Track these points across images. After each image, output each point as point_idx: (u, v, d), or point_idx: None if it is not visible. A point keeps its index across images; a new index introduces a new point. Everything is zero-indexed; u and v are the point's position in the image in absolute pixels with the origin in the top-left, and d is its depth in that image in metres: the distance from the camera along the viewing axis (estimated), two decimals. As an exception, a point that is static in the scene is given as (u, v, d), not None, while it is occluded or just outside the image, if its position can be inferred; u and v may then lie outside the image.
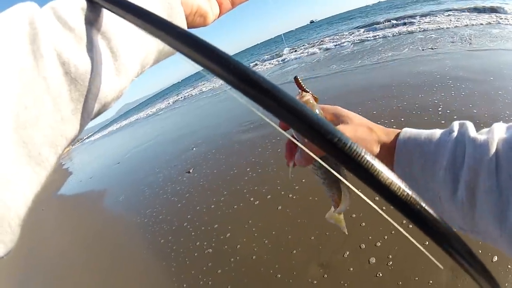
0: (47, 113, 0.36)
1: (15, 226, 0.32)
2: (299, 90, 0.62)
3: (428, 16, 15.39)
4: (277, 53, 23.40)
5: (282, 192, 3.49)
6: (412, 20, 15.43)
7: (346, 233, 0.65)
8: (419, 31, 12.20)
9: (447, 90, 4.71)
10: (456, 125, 0.54)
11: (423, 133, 0.56)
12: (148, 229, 4.12)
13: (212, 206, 3.92)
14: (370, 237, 2.54)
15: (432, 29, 11.75)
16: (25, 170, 0.34)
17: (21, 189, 0.33)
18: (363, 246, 2.51)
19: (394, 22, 16.36)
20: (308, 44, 21.32)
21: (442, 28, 11.37)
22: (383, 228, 2.59)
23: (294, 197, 3.35)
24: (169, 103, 26.12)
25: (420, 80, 5.48)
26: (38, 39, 0.36)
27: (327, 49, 15.67)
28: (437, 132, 0.55)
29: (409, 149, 0.55)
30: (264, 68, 17.97)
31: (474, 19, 11.51)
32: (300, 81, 0.62)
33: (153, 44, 0.49)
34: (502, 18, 10.58)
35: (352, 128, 0.58)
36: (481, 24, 10.37)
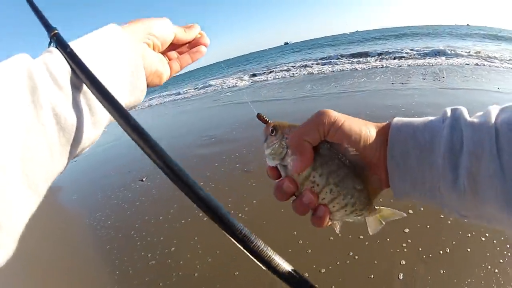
0: (43, 153, 0.45)
1: (15, 240, 0.41)
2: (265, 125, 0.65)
3: (402, 52, 16.01)
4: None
5: (232, 211, 3.43)
6: (387, 55, 16.03)
7: (405, 215, 0.61)
8: (393, 66, 12.64)
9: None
10: (448, 111, 0.52)
11: (415, 121, 0.55)
12: (96, 233, 3.94)
13: (161, 218, 3.82)
14: (315, 266, 2.52)
15: (405, 65, 12.17)
16: (26, 198, 0.42)
17: (22, 212, 0.42)
18: (306, 274, 2.46)
19: (369, 55, 17.03)
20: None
21: (415, 65, 11.78)
22: (329, 257, 2.58)
23: (244, 217, 3.33)
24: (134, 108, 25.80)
25: (385, 112, 5.64)
26: (37, 92, 0.45)
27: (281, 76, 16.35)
28: (430, 120, 0.53)
29: (402, 140, 0.53)
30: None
31: (449, 59, 12.06)
32: (264, 117, 0.65)
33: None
34: (479, 58, 11.09)
35: (344, 115, 0.57)
36: (455, 64, 10.83)
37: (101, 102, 0.49)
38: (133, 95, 0.63)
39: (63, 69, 0.51)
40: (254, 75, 20.42)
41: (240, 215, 3.37)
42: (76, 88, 0.52)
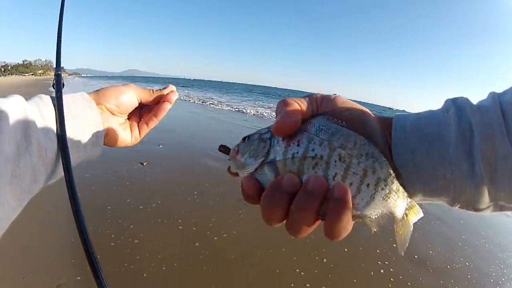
0: (28, 174, 0.57)
1: None
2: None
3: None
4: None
5: (208, 232, 3.36)
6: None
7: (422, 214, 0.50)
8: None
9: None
10: (449, 102, 0.50)
11: (418, 115, 0.51)
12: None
13: (140, 207, 3.78)
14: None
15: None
16: (9, 208, 0.54)
17: (4, 217, 0.53)
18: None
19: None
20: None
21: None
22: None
23: (218, 243, 3.21)
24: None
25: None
26: (29, 128, 0.58)
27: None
28: (432, 112, 0.51)
29: (408, 135, 0.49)
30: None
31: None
32: (227, 146, 0.58)
33: (90, 149, 0.74)
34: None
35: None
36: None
37: (60, 154, 0.64)
38: (94, 149, 0.75)
39: (52, 115, 0.65)
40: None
41: (215, 238, 3.28)
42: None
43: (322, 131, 0.47)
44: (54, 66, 0.81)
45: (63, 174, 0.66)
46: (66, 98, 0.70)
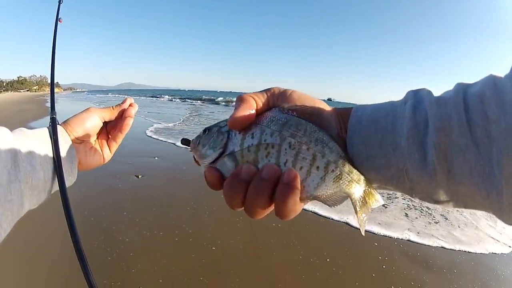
0: (17, 199, 0.62)
1: None
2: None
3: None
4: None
5: (205, 243, 3.34)
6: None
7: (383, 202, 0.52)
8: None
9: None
10: (410, 93, 0.50)
11: (377, 106, 0.52)
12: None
13: (136, 220, 3.77)
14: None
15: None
16: (6, 228, 0.60)
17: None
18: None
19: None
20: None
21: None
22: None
23: (215, 253, 3.18)
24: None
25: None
26: (17, 158, 0.63)
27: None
28: (392, 104, 0.51)
29: (363, 127, 0.50)
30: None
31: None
32: (187, 140, 0.62)
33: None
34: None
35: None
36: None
37: (58, 179, 0.73)
38: (70, 178, 0.79)
39: (36, 146, 0.70)
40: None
41: (213, 248, 3.26)
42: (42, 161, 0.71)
43: (273, 122, 0.51)
44: (49, 82, 0.83)
45: (43, 200, 0.72)
46: (45, 133, 0.76)
